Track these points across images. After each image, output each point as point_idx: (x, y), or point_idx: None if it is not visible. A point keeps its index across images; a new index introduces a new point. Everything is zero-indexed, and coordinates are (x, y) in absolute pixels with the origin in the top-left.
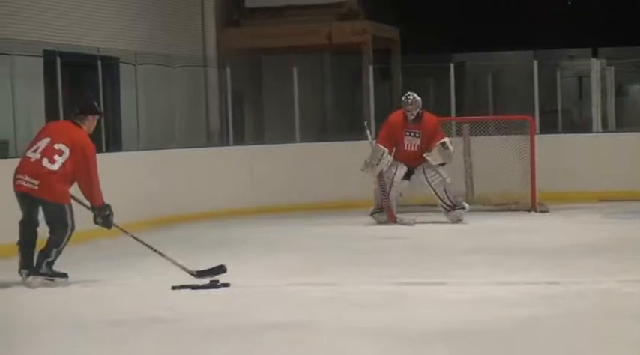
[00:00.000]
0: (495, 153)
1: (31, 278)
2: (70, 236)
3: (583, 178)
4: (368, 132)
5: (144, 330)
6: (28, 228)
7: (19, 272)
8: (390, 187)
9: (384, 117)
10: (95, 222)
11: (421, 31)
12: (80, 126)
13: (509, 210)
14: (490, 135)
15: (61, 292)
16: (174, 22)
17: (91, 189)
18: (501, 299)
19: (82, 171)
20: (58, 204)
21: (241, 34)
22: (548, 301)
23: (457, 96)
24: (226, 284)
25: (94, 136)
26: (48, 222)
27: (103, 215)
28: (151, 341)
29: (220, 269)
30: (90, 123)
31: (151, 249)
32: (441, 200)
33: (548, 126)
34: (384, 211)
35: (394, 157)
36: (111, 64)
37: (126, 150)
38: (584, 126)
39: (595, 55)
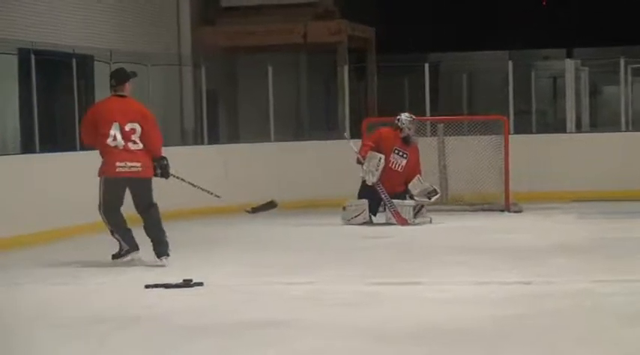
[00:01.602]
0: (470, 153)
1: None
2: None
3: (557, 178)
4: (351, 143)
5: (123, 328)
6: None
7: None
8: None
9: (359, 116)
10: (155, 174)
11: (396, 30)
12: (125, 96)
13: (484, 210)
14: (464, 135)
15: (39, 290)
16: (150, 20)
17: (157, 144)
18: (479, 299)
19: (148, 132)
20: (149, 179)
21: (217, 33)
22: (525, 300)
23: (432, 96)
24: (200, 283)
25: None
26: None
27: (162, 164)
28: (131, 339)
29: (271, 204)
30: (129, 87)
31: (179, 178)
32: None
33: (523, 126)
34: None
35: None
36: (86, 62)
37: None
38: (559, 127)
39: (570, 55)
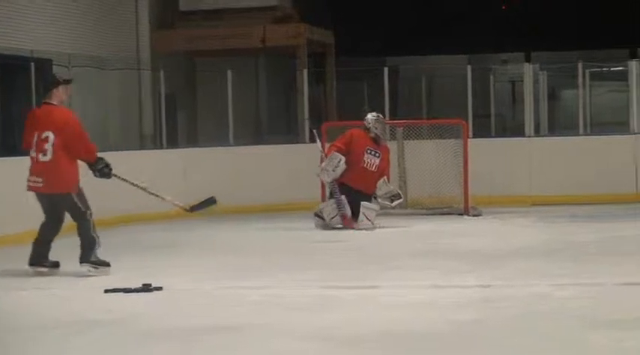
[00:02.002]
0: (429, 157)
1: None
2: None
3: (516, 182)
4: (318, 140)
5: (81, 333)
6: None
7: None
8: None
9: (319, 120)
10: (95, 176)
11: (356, 34)
12: (50, 104)
13: (443, 213)
14: (424, 139)
15: None
16: (108, 24)
17: (82, 152)
18: (437, 303)
19: (67, 142)
20: (64, 194)
21: (175, 37)
22: (484, 304)
23: (391, 100)
24: (159, 288)
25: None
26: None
27: (96, 168)
28: (89, 344)
29: (211, 200)
30: (59, 94)
31: (132, 184)
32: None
33: (482, 130)
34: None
35: (343, 182)
36: (44, 66)
37: None
38: (517, 130)
39: (528, 59)
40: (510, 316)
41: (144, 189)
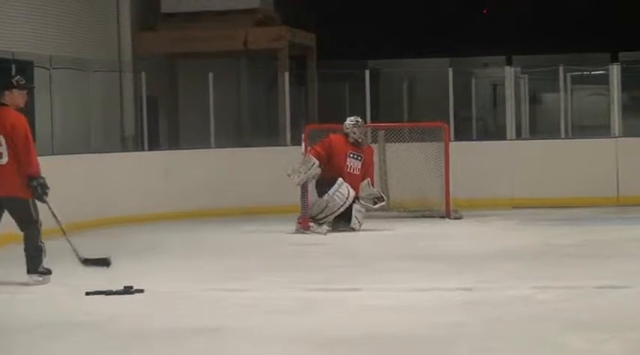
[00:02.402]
0: (410, 160)
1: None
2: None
3: (497, 185)
4: (302, 144)
5: (62, 335)
6: None
7: None
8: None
9: (300, 123)
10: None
11: (337, 37)
12: (4, 105)
13: (424, 216)
14: (405, 141)
15: None
16: (90, 26)
17: (26, 160)
18: (419, 306)
19: (16, 147)
20: (22, 199)
21: (157, 39)
22: (466, 307)
23: (372, 103)
24: (140, 290)
25: None
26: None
27: (32, 185)
28: (69, 347)
29: (105, 261)
30: (14, 98)
31: (56, 219)
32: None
33: (463, 133)
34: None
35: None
36: (25, 67)
37: (40, 155)
38: (499, 134)
39: (509, 63)
40: (492, 319)
41: (63, 231)
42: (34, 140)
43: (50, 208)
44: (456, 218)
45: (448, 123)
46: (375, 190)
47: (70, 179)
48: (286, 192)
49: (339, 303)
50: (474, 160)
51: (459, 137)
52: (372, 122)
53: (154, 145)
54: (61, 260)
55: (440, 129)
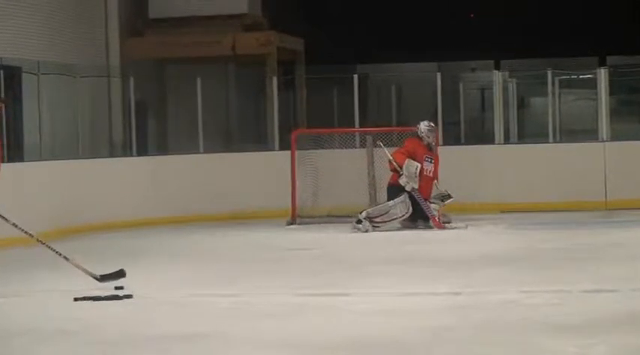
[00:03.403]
0: None
1: None
2: None
3: (485, 189)
4: (386, 150)
5: (49, 341)
6: None
7: None
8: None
9: (289, 128)
10: None
11: (326, 42)
12: None
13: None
14: (394, 146)
15: None
16: (78, 31)
17: None
18: (408, 310)
19: None
20: None
21: (145, 44)
22: (455, 311)
23: (361, 108)
24: (129, 296)
25: None
26: None
27: None
28: (59, 352)
29: (120, 273)
30: None
31: (56, 252)
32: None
33: (451, 137)
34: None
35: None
36: (13, 73)
37: (28, 161)
38: (487, 138)
39: (497, 67)
40: (481, 323)
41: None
42: (22, 149)
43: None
44: (444, 222)
45: (436, 127)
46: (443, 189)
47: (59, 185)
48: (275, 197)
49: (329, 308)
50: (463, 164)
51: (447, 141)
52: (360, 126)
53: (142, 150)
54: (49, 265)
55: None
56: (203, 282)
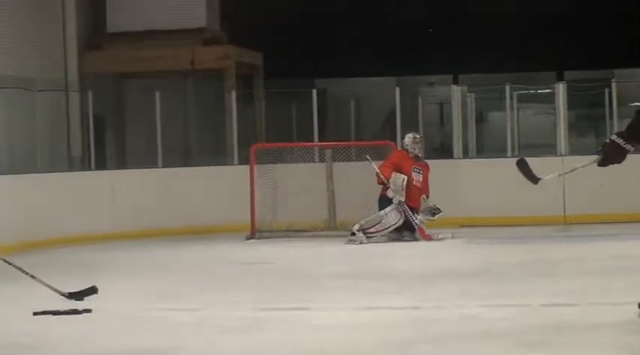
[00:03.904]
0: (357, 179)
1: None
2: None
3: (444, 203)
4: (373, 164)
5: None
6: None
7: None
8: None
9: (248, 142)
10: None
11: (284, 56)
12: None
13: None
14: (352, 160)
15: None
16: (36, 45)
17: None
18: (367, 324)
19: None
20: None
21: (103, 58)
22: (414, 326)
23: (319, 122)
24: (88, 310)
25: None
26: None
27: None
28: None
29: (92, 290)
30: None
31: (22, 271)
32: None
33: None
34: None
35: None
36: None
37: None
38: (445, 152)
39: (456, 81)
40: (441, 337)
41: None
42: None
43: None
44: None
45: (395, 141)
46: (432, 203)
47: (16, 199)
48: (233, 211)
49: (289, 322)
50: None
51: None
52: (319, 141)
53: (100, 165)
54: (8, 279)
55: (387, 147)
56: (162, 296)
